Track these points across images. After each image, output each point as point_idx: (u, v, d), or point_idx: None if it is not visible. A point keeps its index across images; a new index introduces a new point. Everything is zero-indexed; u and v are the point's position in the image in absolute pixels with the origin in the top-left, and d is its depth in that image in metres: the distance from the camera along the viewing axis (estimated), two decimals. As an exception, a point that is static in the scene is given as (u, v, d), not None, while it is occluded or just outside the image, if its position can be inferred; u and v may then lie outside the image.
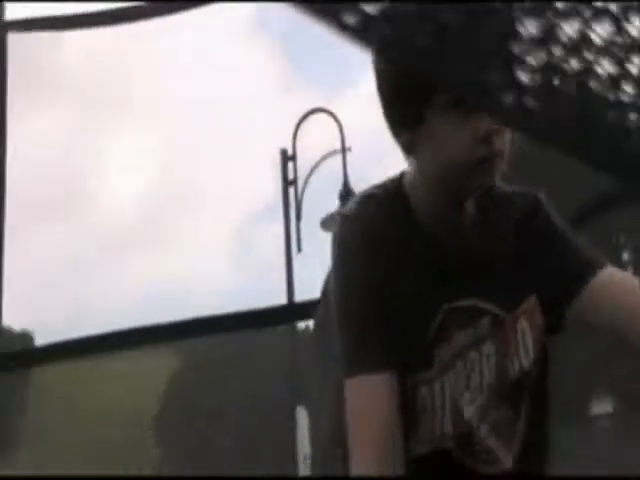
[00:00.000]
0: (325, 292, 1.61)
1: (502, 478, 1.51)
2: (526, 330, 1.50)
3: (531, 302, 1.52)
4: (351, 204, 1.68)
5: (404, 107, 1.49)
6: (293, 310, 5.16)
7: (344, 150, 7.82)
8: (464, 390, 1.49)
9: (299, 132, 7.91)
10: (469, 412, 1.48)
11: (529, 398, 1.52)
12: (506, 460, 1.49)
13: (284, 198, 7.86)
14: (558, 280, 1.51)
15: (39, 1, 6.89)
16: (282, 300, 5.54)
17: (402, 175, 1.60)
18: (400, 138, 1.53)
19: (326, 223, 7.55)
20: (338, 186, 7.77)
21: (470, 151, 1.44)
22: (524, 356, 1.50)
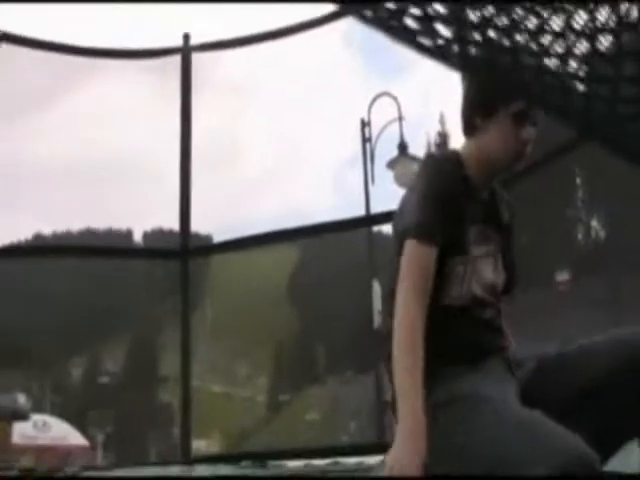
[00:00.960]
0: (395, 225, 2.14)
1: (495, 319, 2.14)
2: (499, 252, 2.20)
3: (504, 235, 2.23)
4: (434, 156, 2.35)
5: (487, 103, 2.14)
6: (369, 219, 7.23)
7: (400, 119, 11.15)
8: (478, 276, 2.09)
9: (372, 107, 11.26)
10: (478, 290, 2.08)
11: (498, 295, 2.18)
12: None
13: (363, 149, 11.07)
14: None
15: (41, 1, 8.02)
16: (362, 212, 7.50)
17: (458, 151, 2.22)
18: (471, 121, 2.18)
19: (390, 164, 10.69)
20: (396, 141, 11.00)
21: (514, 149, 2.12)
22: (500, 267, 2.21)
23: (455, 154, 2.19)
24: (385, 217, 6.33)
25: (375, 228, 11.20)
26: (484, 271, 2.10)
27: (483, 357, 1.99)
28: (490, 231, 2.15)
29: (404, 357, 1.83)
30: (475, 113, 2.17)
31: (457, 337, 2.01)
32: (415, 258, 1.95)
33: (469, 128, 2.20)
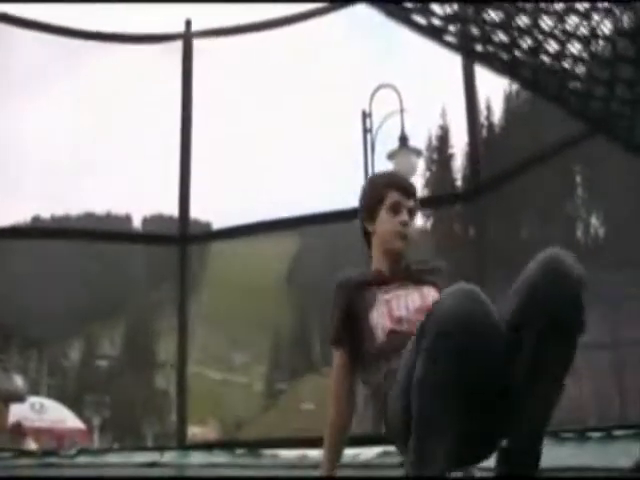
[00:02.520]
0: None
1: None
2: (428, 292, 2.50)
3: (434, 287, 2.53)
4: (339, 277, 2.66)
5: (369, 208, 2.64)
6: None
7: (401, 111, 11.44)
8: (401, 306, 2.43)
9: (374, 98, 11.39)
10: (396, 313, 2.41)
11: None
12: None
13: (363, 140, 11.23)
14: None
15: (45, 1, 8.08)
16: None
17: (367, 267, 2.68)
18: (366, 229, 2.69)
19: (390, 156, 10.86)
20: (397, 133, 11.27)
21: (396, 233, 2.57)
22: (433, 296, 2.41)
23: (364, 274, 2.64)
24: None
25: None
26: (407, 300, 2.47)
27: None
28: (407, 282, 2.56)
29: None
30: (365, 222, 2.68)
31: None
32: (334, 359, 2.60)
33: (366, 238, 2.70)
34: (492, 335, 1.87)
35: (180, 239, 6.58)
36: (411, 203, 2.62)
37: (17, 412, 26.71)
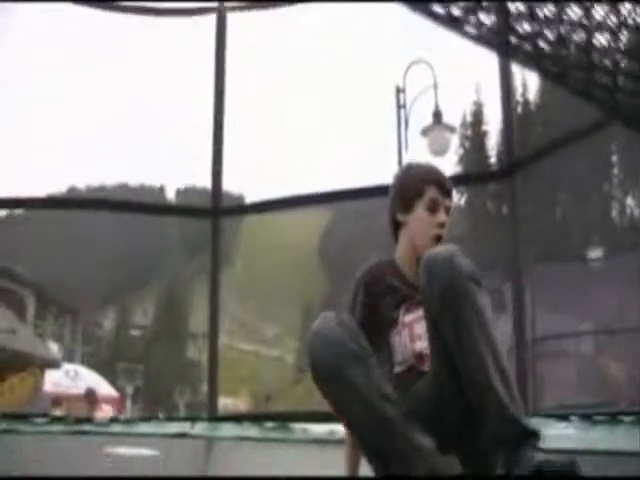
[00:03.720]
0: None
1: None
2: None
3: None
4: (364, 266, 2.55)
5: (405, 198, 2.46)
6: None
7: (435, 86, 11.30)
8: (422, 335, 2.27)
9: (408, 74, 11.31)
10: (418, 347, 2.29)
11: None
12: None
13: (397, 116, 11.14)
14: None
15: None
16: None
17: (393, 257, 2.51)
18: (395, 218, 2.49)
19: (424, 132, 10.77)
20: (431, 109, 11.26)
21: (431, 234, 2.40)
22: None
23: (389, 259, 2.53)
24: None
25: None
26: (419, 330, 2.34)
27: None
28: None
29: None
30: (397, 210, 2.51)
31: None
32: None
33: (394, 226, 2.54)
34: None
35: (213, 212, 6.62)
36: (449, 202, 2.51)
37: (52, 378, 27.18)
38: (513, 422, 1.98)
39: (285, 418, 5.54)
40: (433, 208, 2.45)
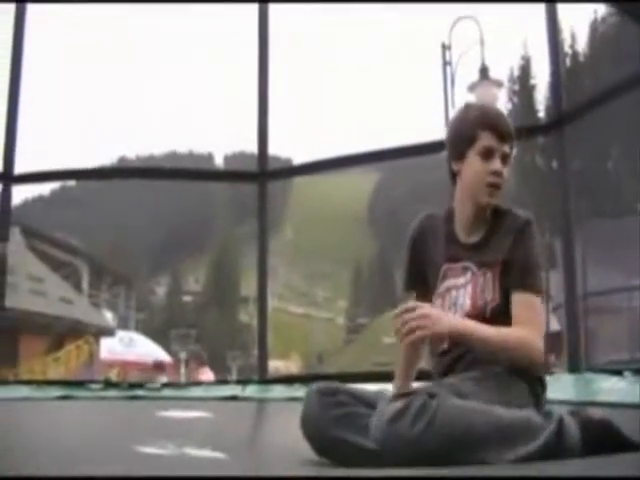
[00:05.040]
0: None
1: (452, 352, 2.24)
2: (489, 279, 2.24)
3: (496, 267, 2.24)
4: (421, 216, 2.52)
5: (457, 147, 2.32)
6: None
7: (482, 42, 11.12)
8: (452, 306, 2.27)
9: (453, 30, 11.04)
10: (466, 306, 2.23)
11: (488, 317, 2.18)
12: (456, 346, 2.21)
13: (443, 73, 10.90)
14: (510, 276, 2.22)
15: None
16: (442, 136, 7.27)
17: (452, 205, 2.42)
18: (451, 168, 2.37)
19: (470, 88, 10.54)
20: (478, 65, 11.11)
21: (486, 182, 2.26)
22: (487, 292, 2.23)
23: (447, 209, 2.45)
24: None
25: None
26: (460, 299, 2.30)
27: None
28: (472, 263, 2.31)
29: None
30: (451, 158, 2.37)
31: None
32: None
33: (451, 175, 2.41)
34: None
35: (259, 175, 6.60)
36: (507, 148, 2.31)
37: (107, 346, 27.69)
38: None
39: (335, 379, 5.55)
40: (487, 155, 2.29)
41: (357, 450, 1.99)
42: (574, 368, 5.09)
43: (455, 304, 2.29)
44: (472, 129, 2.30)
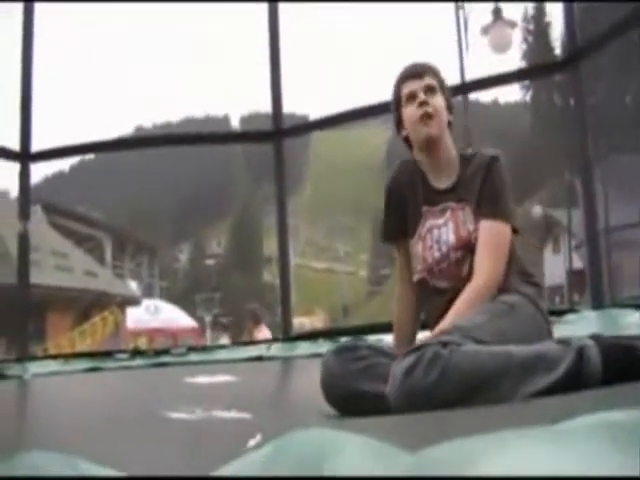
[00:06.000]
0: None
1: (449, 291, 2.27)
2: (468, 212, 2.30)
3: (472, 201, 2.30)
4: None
5: (394, 97, 2.46)
6: (464, 86, 7.08)
7: None
8: (434, 244, 2.34)
9: None
10: (434, 256, 2.33)
11: (474, 248, 2.26)
12: (453, 281, 2.29)
13: (456, 16, 10.62)
14: (479, 207, 2.28)
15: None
16: (457, 80, 7.10)
17: None
18: (402, 138, 2.48)
19: (484, 30, 10.34)
20: (490, 7, 11.15)
21: (416, 115, 2.34)
22: (469, 223, 2.29)
23: (415, 166, 2.50)
24: (480, 84, 6.22)
25: (471, 96, 10.75)
26: (443, 236, 2.35)
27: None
28: (449, 203, 2.37)
29: None
30: (397, 130, 2.51)
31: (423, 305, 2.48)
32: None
33: (409, 146, 2.49)
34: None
35: (274, 134, 6.56)
36: (425, 81, 2.40)
37: (133, 315, 27.95)
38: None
39: (360, 331, 5.53)
40: (411, 98, 2.39)
41: (380, 400, 1.94)
42: (598, 304, 5.07)
43: (438, 241, 2.35)
44: (396, 91, 2.46)
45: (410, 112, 2.38)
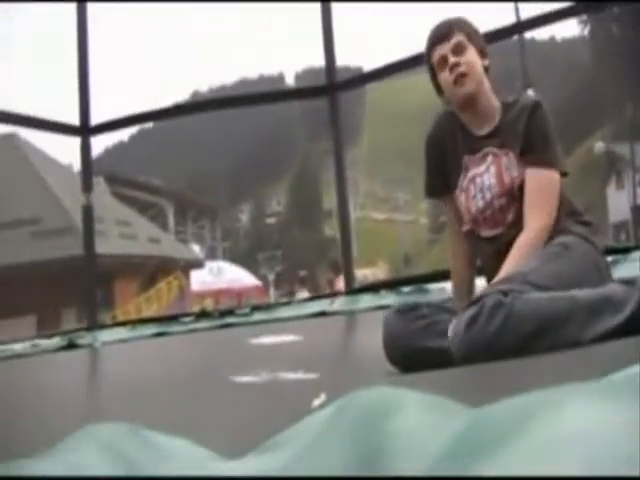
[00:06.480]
0: None
1: (497, 238, 2.28)
2: (512, 158, 2.26)
3: (515, 146, 2.25)
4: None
5: (434, 84, 2.41)
6: (520, 25, 6.88)
7: None
8: (477, 193, 2.31)
9: None
10: (478, 205, 2.31)
11: (518, 194, 2.24)
12: (500, 228, 2.28)
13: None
14: (525, 154, 2.23)
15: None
16: (512, 20, 6.90)
17: None
18: (445, 102, 2.44)
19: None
20: None
21: (449, 80, 2.31)
22: (512, 169, 2.25)
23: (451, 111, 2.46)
24: (535, 22, 6.04)
25: (527, 35, 10.40)
26: (486, 182, 2.33)
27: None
28: (491, 148, 2.33)
29: None
30: (437, 93, 2.46)
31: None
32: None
33: (438, 91, 2.45)
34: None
35: (328, 88, 6.53)
36: (452, 41, 2.34)
37: (197, 278, 28.34)
38: None
39: (422, 280, 5.51)
40: (443, 63, 2.36)
41: (443, 355, 1.92)
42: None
43: (482, 189, 2.33)
44: (428, 59, 2.42)
45: (444, 78, 2.35)
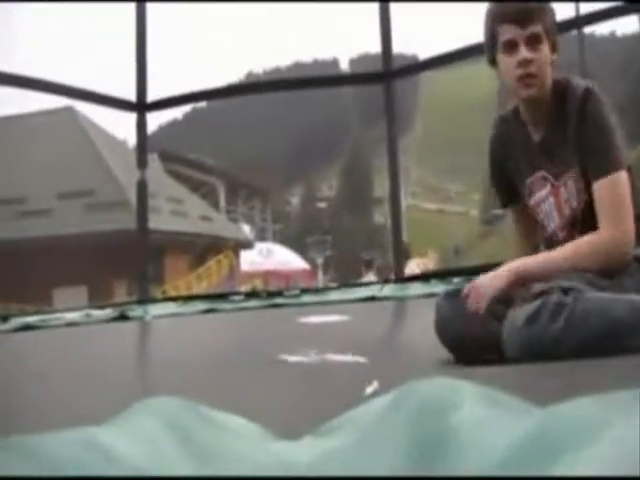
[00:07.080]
0: None
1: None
2: (570, 186, 2.10)
3: (572, 170, 2.09)
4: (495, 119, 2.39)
5: (487, 43, 2.16)
6: (579, 19, 6.74)
7: None
8: (544, 218, 2.21)
9: None
10: (548, 230, 2.19)
11: (580, 222, 2.10)
12: None
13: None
14: (590, 168, 2.04)
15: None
16: (572, 14, 6.72)
17: None
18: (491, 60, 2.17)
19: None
20: None
21: (514, 76, 2.07)
22: (572, 200, 2.11)
23: (514, 107, 2.27)
24: (595, 17, 5.99)
25: (586, 29, 10.22)
26: (549, 212, 2.21)
27: None
28: (546, 173, 2.19)
29: None
30: (489, 60, 2.21)
31: None
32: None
33: (492, 63, 2.21)
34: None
35: (384, 75, 6.50)
36: (529, 30, 2.04)
37: (247, 258, 28.48)
38: None
39: (472, 272, 5.45)
40: (510, 48, 2.07)
41: (494, 341, 1.89)
42: None
43: (548, 217, 2.22)
44: (492, 26, 2.13)
45: (508, 65, 2.09)
